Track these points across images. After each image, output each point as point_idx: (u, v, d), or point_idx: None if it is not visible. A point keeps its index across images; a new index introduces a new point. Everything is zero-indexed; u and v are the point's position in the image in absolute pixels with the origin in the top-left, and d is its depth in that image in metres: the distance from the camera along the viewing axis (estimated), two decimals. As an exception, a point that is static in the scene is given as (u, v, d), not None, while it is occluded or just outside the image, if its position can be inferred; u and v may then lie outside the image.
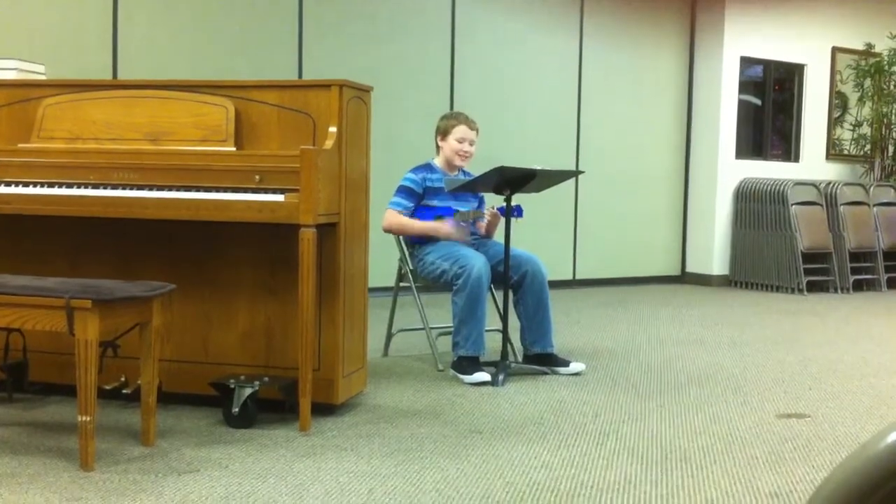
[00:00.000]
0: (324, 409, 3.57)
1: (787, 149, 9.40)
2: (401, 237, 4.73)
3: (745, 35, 8.76)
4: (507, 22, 7.87)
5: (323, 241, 3.46)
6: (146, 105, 3.58)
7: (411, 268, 4.71)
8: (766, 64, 9.10)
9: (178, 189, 3.37)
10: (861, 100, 9.46)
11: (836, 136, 9.52)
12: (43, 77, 4.38)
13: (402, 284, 4.83)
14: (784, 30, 8.99)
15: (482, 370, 4.30)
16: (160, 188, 3.38)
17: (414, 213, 4.61)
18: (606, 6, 8.41)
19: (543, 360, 4.54)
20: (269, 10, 6.87)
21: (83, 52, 6.21)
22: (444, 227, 4.56)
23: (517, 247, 4.53)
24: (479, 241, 4.73)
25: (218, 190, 3.35)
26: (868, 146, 9.49)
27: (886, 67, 9.28)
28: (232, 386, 3.41)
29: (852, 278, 8.62)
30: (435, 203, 4.63)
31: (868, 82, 9.37)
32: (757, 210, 8.66)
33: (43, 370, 3.71)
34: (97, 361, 2.84)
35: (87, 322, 2.80)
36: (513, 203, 4.43)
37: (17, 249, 3.78)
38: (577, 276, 8.43)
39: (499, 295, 4.68)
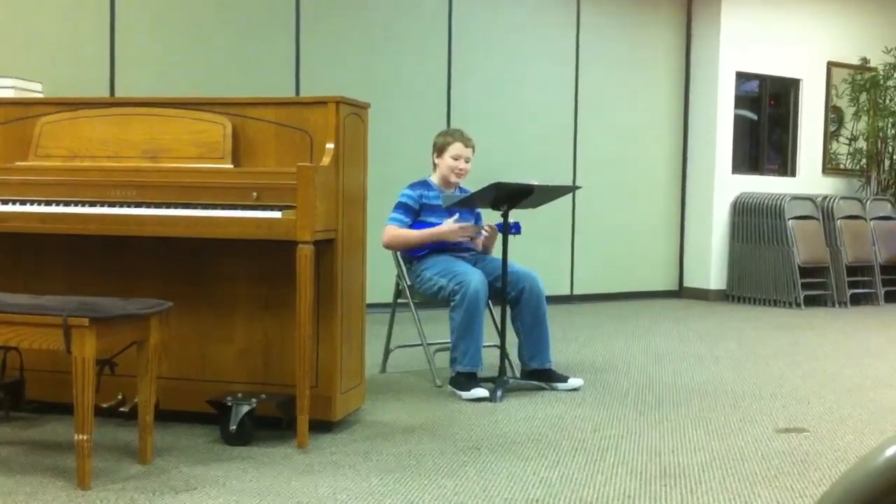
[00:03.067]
0: (321, 426, 3.56)
1: (784, 163, 9.42)
2: (398, 253, 4.73)
3: (740, 50, 8.79)
4: (504, 37, 7.89)
5: (320, 257, 3.46)
6: (143, 122, 3.58)
7: (409, 283, 4.71)
8: (762, 79, 9.13)
9: (176, 206, 3.37)
10: (857, 114, 9.48)
11: (832, 151, 9.55)
12: (40, 95, 4.39)
13: (399, 300, 4.83)
14: (779, 45, 9.02)
15: (480, 386, 4.30)
16: (157, 205, 3.38)
17: (411, 229, 4.61)
18: (602, 22, 8.44)
19: (541, 376, 4.54)
20: (267, 27, 6.89)
21: (80, 69, 6.22)
22: (444, 228, 4.55)
23: (515, 262, 4.53)
24: (477, 256, 4.73)
25: (215, 207, 3.35)
26: (864, 160, 9.51)
27: (882, 82, 9.31)
28: (229, 403, 3.40)
29: (850, 292, 8.63)
30: (432, 220, 4.63)
31: (864, 97, 9.39)
32: (754, 224, 8.67)
33: (40, 389, 3.70)
34: (94, 380, 2.84)
35: (85, 340, 2.79)
36: (511, 219, 4.43)
37: (14, 267, 3.78)
38: (575, 292, 8.43)
39: (496, 310, 4.67)
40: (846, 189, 9.51)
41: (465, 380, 4.33)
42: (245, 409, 3.38)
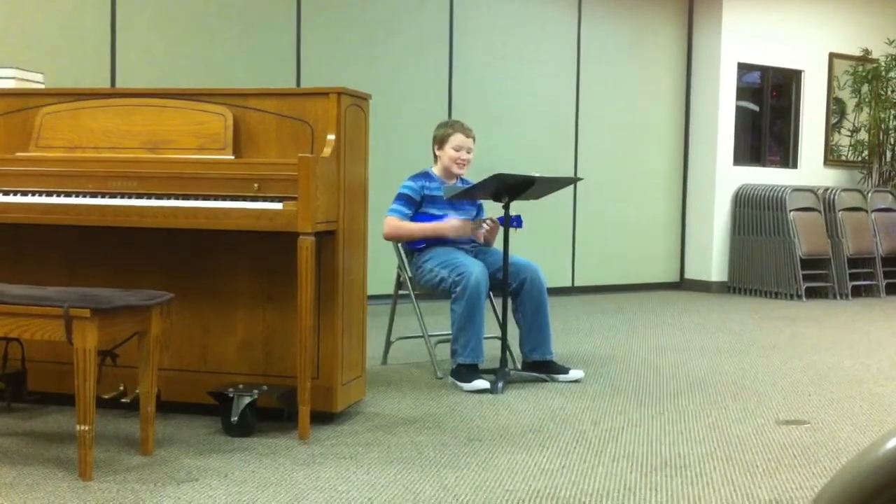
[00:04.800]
0: (323, 417, 3.57)
1: (785, 155, 9.41)
2: (399, 244, 4.73)
3: (742, 41, 8.77)
4: (505, 29, 7.88)
5: (321, 248, 3.46)
6: (144, 113, 3.58)
7: (410, 275, 4.71)
8: (764, 70, 9.11)
9: (177, 197, 3.37)
10: (858, 106, 9.47)
11: (833, 142, 9.54)
12: (41, 86, 4.38)
13: (400, 292, 4.83)
14: (781, 36, 9.01)
15: (481, 378, 4.30)
16: (158, 196, 3.38)
17: (412, 221, 4.61)
18: (604, 13, 8.42)
19: (542, 368, 4.54)
20: (268, 19, 6.88)
21: (81, 60, 6.22)
22: (445, 224, 4.56)
23: (516, 254, 4.53)
24: (478, 248, 4.73)
25: (216, 198, 3.35)
26: (866, 152, 9.50)
27: (884, 73, 9.30)
28: (231, 395, 3.40)
29: (851, 284, 8.62)
30: (433, 211, 4.63)
31: (865, 88, 9.38)
32: (755, 216, 8.67)
33: (41, 380, 3.70)
34: (96, 371, 2.84)
35: (86, 331, 2.79)
36: (512, 212, 4.42)
37: (15, 258, 3.78)
38: (576, 284, 8.44)
39: (497, 302, 4.67)
40: (848, 181, 9.50)
41: (467, 371, 4.33)
42: (246, 400, 3.39)
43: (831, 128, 9.51)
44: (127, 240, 3.67)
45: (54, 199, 3.42)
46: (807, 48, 9.19)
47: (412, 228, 4.59)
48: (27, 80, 4.29)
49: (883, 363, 5.23)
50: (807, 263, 8.46)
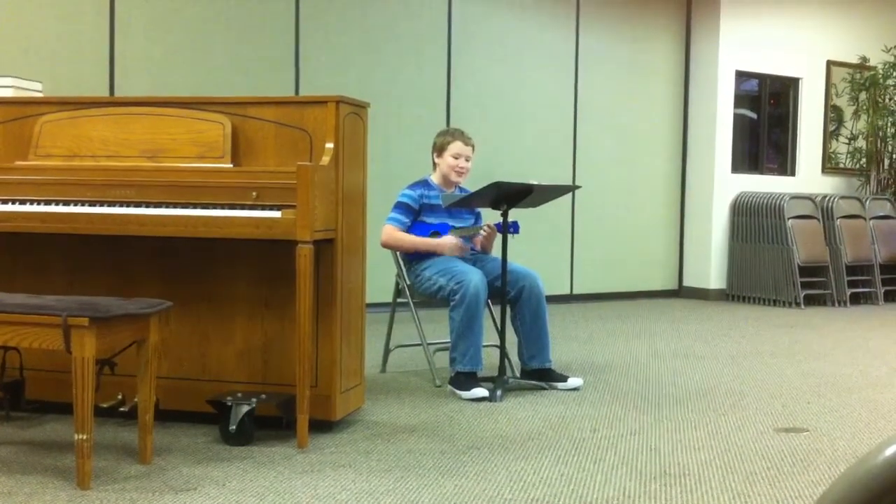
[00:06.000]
0: (321, 425, 3.56)
1: (783, 162, 9.42)
2: (398, 252, 4.73)
3: (740, 49, 8.79)
4: (503, 37, 7.89)
5: (320, 256, 3.46)
6: (143, 122, 3.58)
7: (408, 283, 4.71)
8: (762, 78, 9.13)
9: (175, 206, 3.37)
10: (856, 113, 9.49)
11: (831, 150, 9.55)
12: (40, 94, 4.39)
13: (399, 300, 4.83)
14: (779, 44, 9.02)
15: (480, 386, 4.30)
16: (157, 205, 3.38)
17: (410, 230, 4.62)
18: (602, 21, 8.44)
19: (541, 376, 4.54)
20: (266, 27, 6.89)
21: (80, 68, 6.22)
22: (442, 242, 4.57)
23: (514, 261, 4.53)
24: (476, 255, 4.73)
25: (215, 206, 3.35)
26: (864, 159, 9.51)
27: (881, 81, 9.31)
28: (229, 403, 3.40)
29: (849, 291, 8.63)
30: (431, 220, 4.64)
31: (863, 96, 9.40)
32: (753, 224, 8.67)
33: (40, 388, 3.70)
34: (94, 379, 2.83)
35: (84, 340, 2.79)
36: (510, 219, 4.43)
37: (14, 267, 3.78)
38: (575, 291, 8.43)
39: (496, 310, 4.67)
40: (846, 188, 9.51)
41: (465, 379, 4.33)
42: (245, 408, 3.38)
43: (829, 135, 9.52)
44: (125, 248, 3.68)
45: (53, 208, 3.42)
46: (804, 56, 9.21)
47: (409, 240, 4.60)
48: (26, 89, 4.30)
49: (881, 370, 5.23)
50: (805, 271, 8.47)
